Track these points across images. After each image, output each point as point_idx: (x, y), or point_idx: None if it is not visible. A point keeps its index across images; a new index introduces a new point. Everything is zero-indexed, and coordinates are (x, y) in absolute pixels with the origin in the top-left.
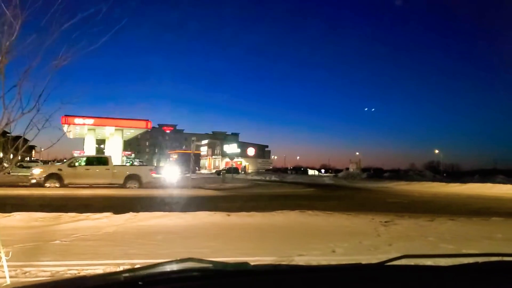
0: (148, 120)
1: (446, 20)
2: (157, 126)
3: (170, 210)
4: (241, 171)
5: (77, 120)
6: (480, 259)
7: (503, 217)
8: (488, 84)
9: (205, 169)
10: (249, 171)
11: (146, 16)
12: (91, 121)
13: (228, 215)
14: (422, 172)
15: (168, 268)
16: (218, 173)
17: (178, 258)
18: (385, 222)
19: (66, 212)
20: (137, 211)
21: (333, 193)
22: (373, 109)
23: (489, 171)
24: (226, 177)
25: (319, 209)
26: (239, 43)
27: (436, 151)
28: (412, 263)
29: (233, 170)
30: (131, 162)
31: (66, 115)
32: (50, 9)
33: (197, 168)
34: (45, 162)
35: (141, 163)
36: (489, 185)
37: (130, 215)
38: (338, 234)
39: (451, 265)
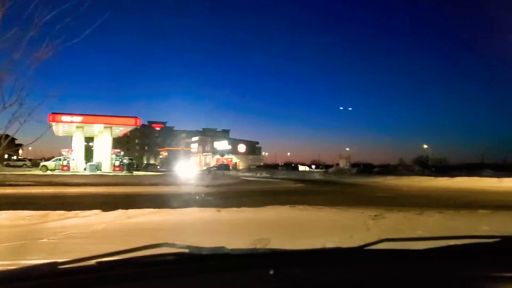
0: (137, 117)
1: (430, 15)
2: (147, 123)
3: (160, 206)
4: (232, 167)
5: (65, 118)
6: (458, 242)
7: (490, 209)
8: (476, 80)
9: (196, 166)
10: (240, 167)
11: (135, 12)
12: (79, 118)
13: (219, 211)
14: (411, 167)
15: (142, 253)
16: (208, 170)
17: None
18: (375, 216)
19: (54, 210)
20: (126, 208)
21: (323, 188)
22: (350, 108)
23: (477, 165)
24: (217, 173)
25: (310, 204)
26: (229, 39)
27: (425, 146)
28: (392, 247)
29: (223, 167)
30: (120, 159)
31: (53, 113)
32: (33, 1)
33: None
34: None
35: (130, 161)
36: (476, 179)
37: (119, 212)
38: (328, 228)
39: (429, 248)
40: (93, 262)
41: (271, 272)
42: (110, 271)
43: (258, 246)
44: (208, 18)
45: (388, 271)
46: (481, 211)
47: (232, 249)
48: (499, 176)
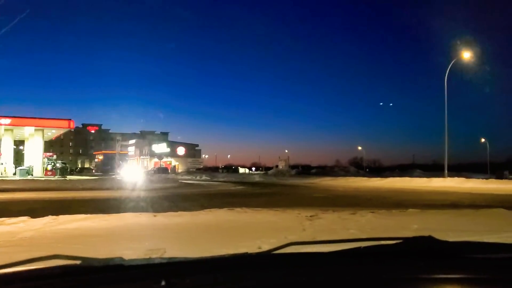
0: (70, 119)
1: (363, 14)
2: (81, 126)
3: (94, 212)
4: (171, 171)
5: None
6: (362, 244)
7: (419, 208)
8: (408, 84)
9: (133, 169)
10: (179, 170)
11: (67, 12)
12: (7, 121)
13: (155, 216)
14: (346, 168)
15: (29, 266)
16: (146, 173)
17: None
18: (310, 216)
19: None
20: (58, 214)
21: (262, 190)
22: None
23: (408, 166)
24: (155, 177)
25: (249, 206)
26: (166, 40)
27: (360, 148)
28: (298, 251)
29: (162, 170)
30: (53, 163)
31: None
32: None
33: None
34: None
35: (63, 165)
36: (407, 179)
37: (49, 219)
38: (265, 230)
39: (334, 251)
40: None
41: (163, 283)
42: None
43: (195, 251)
44: (143, 19)
45: (292, 275)
46: (411, 210)
47: (127, 260)
48: (428, 177)
